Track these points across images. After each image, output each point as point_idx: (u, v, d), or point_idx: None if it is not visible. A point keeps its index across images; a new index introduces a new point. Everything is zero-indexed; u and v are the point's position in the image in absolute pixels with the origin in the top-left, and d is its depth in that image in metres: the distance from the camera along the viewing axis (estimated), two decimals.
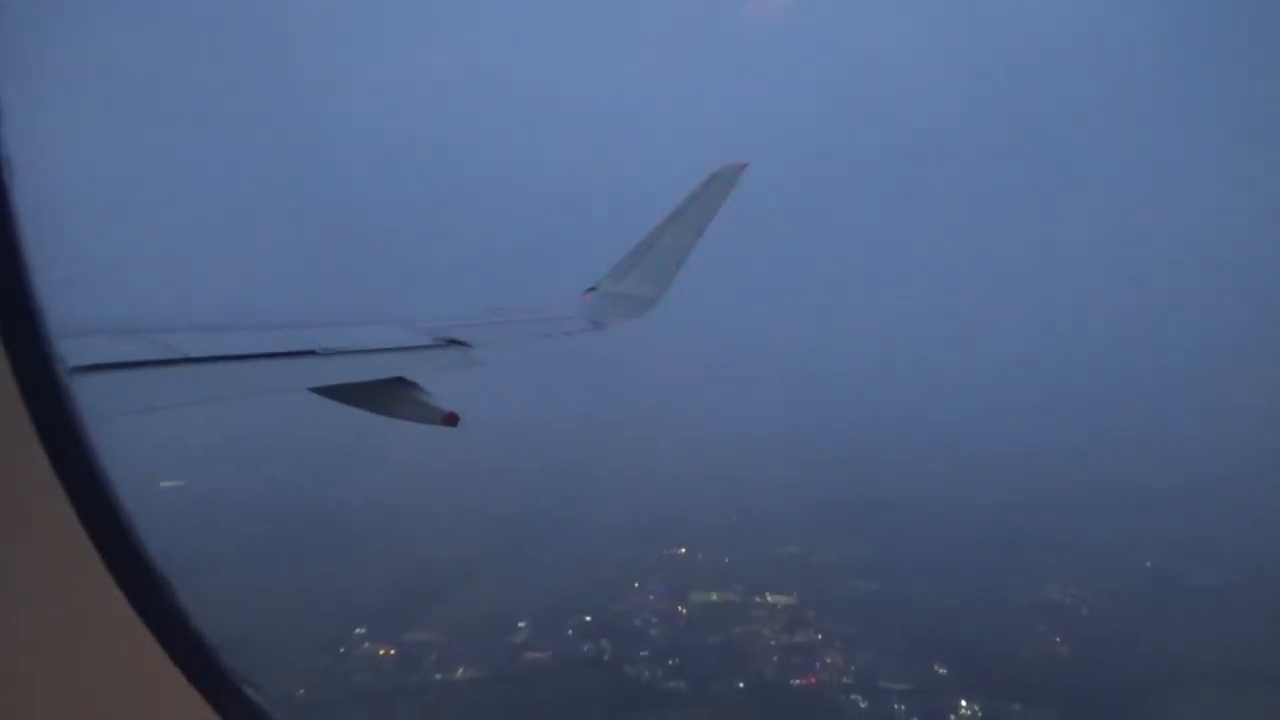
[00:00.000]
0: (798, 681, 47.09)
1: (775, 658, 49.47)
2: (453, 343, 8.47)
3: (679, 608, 57.07)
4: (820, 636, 51.94)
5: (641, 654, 50.57)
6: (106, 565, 1.93)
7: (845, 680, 47.03)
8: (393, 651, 50.97)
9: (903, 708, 44.22)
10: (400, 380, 7.46)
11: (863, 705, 44.55)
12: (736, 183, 12.54)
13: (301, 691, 46.57)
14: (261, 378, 6.67)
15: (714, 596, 59.06)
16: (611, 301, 11.79)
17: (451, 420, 7.31)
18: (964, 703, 44.17)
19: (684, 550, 68.80)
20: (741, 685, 46.61)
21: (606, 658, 50.24)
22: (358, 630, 53.64)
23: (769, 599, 58.02)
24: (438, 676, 48.21)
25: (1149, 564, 64.76)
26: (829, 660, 48.93)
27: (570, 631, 53.43)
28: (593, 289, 12.12)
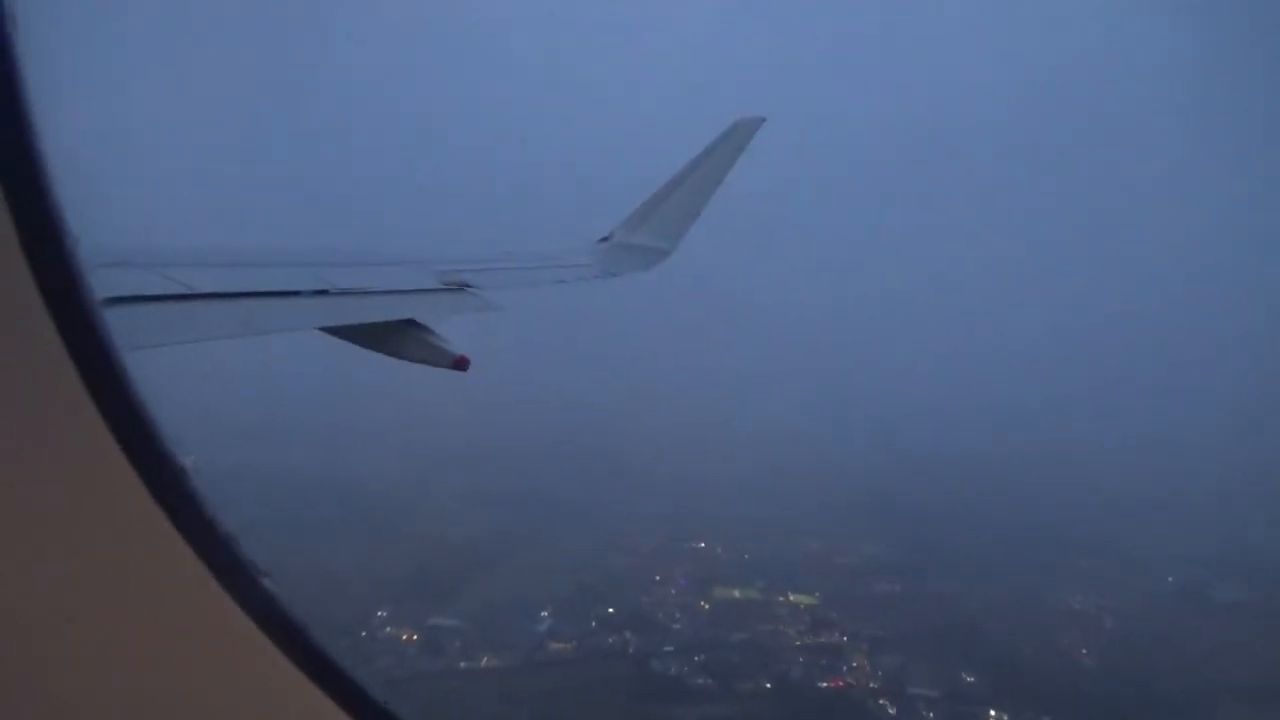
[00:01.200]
0: (825, 684, 46.85)
1: (801, 658, 49.23)
2: (464, 286, 8.39)
3: (701, 603, 56.82)
4: (845, 639, 51.69)
5: (666, 649, 50.37)
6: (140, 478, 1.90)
7: (872, 685, 46.79)
8: (415, 636, 50.72)
9: (931, 715, 44.00)
10: (411, 322, 7.44)
11: (891, 711, 44.32)
12: (753, 136, 12.44)
13: None
14: (273, 316, 6.63)
15: (736, 593, 58.83)
16: (624, 252, 11.68)
17: (462, 364, 7.37)
18: (992, 712, 43.92)
19: (703, 544, 68.54)
20: (769, 685, 46.34)
21: (631, 650, 50.03)
22: (379, 613, 53.38)
23: (791, 598, 57.75)
24: (463, 664, 47.97)
25: (1171, 578, 64.45)
26: (855, 663, 48.68)
27: (593, 623, 53.17)
28: (606, 238, 11.99)
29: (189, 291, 5.81)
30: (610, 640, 51.12)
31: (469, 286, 8.44)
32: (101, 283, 5.25)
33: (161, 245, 7.05)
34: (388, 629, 51.69)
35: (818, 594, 58.44)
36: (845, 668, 48.26)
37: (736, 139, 12.36)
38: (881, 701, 45.07)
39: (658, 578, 60.95)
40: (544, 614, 53.93)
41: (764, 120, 12.65)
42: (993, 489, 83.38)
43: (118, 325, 5.07)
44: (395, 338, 7.42)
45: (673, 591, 58.66)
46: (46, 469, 1.88)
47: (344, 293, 7.23)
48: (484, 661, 48.22)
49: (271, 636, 2.10)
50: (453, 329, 7.70)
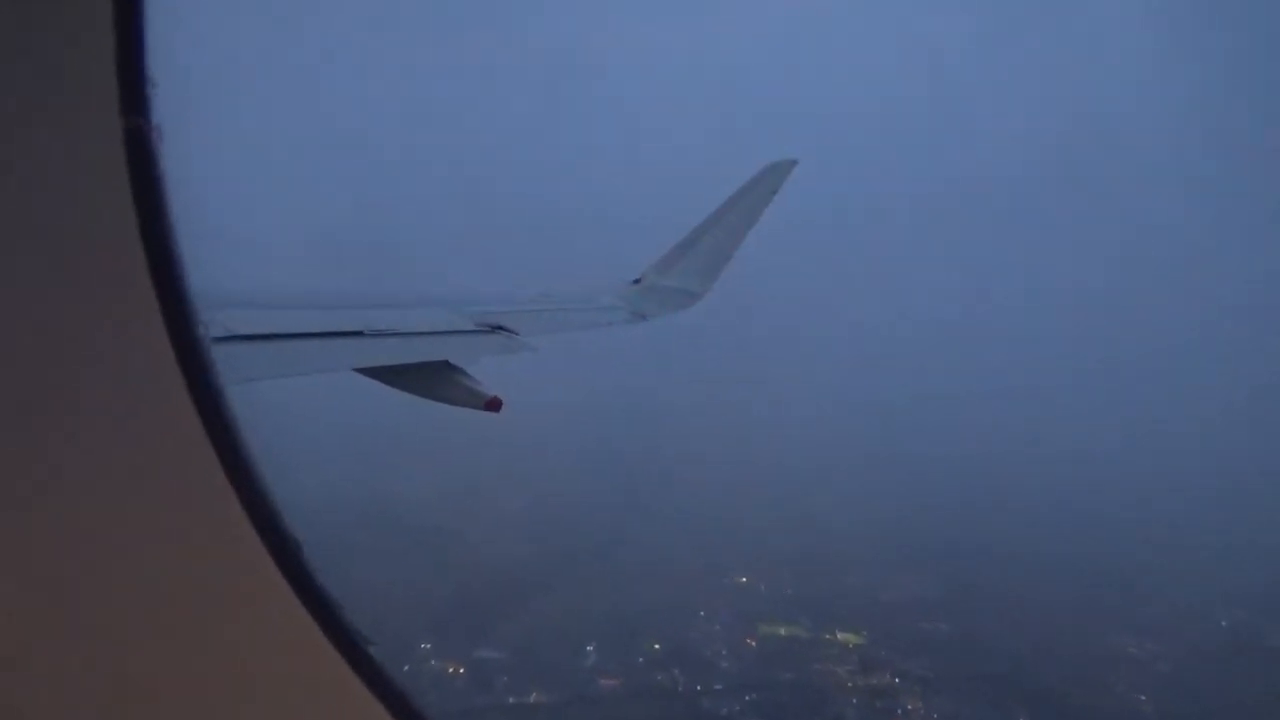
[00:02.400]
0: None
1: (855, 699, 48.50)
2: (497, 328, 8.46)
3: (748, 640, 56.17)
4: (897, 680, 50.87)
5: (716, 687, 49.74)
6: (255, 529, 1.94)
7: None
8: (462, 670, 50.32)
9: None
10: (445, 364, 7.50)
11: None
12: (786, 179, 12.41)
13: None
14: (309, 357, 6.71)
15: (781, 630, 58.14)
16: (656, 294, 11.60)
17: (495, 405, 7.36)
18: None
19: (744, 579, 67.88)
20: None
21: (680, 689, 49.41)
22: (423, 645, 53.03)
23: (838, 636, 57.01)
24: (512, 699, 47.50)
25: (1224, 622, 63.18)
26: (910, 706, 47.88)
27: (640, 659, 52.62)
28: (638, 280, 11.92)
29: (226, 334, 5.89)
30: (659, 677, 50.54)
31: (502, 328, 8.48)
32: None
33: (197, 287, 6.96)
34: (433, 661, 51.31)
35: (864, 632, 57.68)
36: (900, 710, 47.47)
37: (769, 182, 12.38)
38: None
39: (702, 613, 60.35)
40: (589, 649, 53.47)
41: (796, 163, 12.66)
42: (1033, 527, 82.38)
43: None
44: (429, 379, 7.45)
45: (717, 628, 58.02)
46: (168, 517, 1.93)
47: (378, 334, 7.28)
48: (533, 697, 47.72)
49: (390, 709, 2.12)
50: (485, 371, 7.71)
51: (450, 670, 50.33)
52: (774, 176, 12.47)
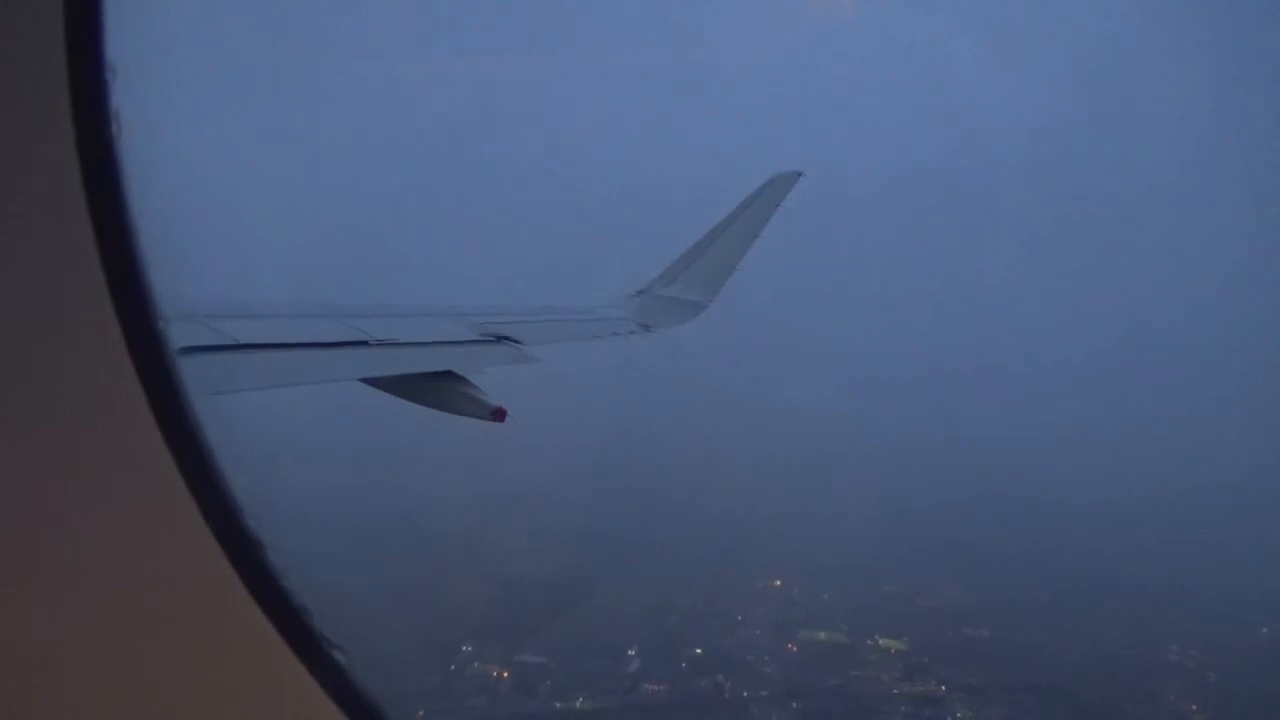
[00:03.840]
0: None
1: (903, 707, 48.12)
2: (502, 338, 8.50)
3: (789, 645, 55.82)
4: (944, 688, 50.45)
5: (761, 693, 49.40)
6: (212, 531, 1.93)
7: None
8: (506, 674, 50.07)
9: None
10: (450, 374, 7.54)
11: None
12: (790, 190, 12.55)
13: (421, 713, 45.90)
14: (315, 366, 6.82)
15: (821, 635, 57.74)
16: (660, 305, 11.71)
17: (500, 416, 7.41)
18: None
19: (778, 583, 67.53)
20: None
21: (726, 695, 49.08)
22: (465, 648, 52.86)
23: (880, 642, 56.61)
24: (558, 704, 47.22)
25: (1265, 629, 62.71)
26: (959, 715, 47.48)
27: (683, 664, 52.33)
28: (642, 291, 12.00)
29: (232, 343, 5.93)
30: (703, 683, 50.20)
31: (507, 339, 8.53)
32: None
33: (205, 297, 7.20)
34: (476, 664, 51.09)
35: (905, 639, 57.26)
36: (950, 719, 47.05)
37: (773, 193, 12.50)
38: None
39: (739, 618, 60.06)
40: (631, 653, 53.18)
41: (800, 175, 12.74)
42: (1065, 532, 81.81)
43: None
44: (434, 389, 7.50)
45: (757, 633, 57.71)
46: (118, 512, 1.89)
47: (384, 344, 7.31)
48: (579, 702, 47.45)
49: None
50: (490, 381, 7.71)
51: (495, 674, 50.00)
52: (778, 188, 12.57)
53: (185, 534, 1.90)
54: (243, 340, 6.08)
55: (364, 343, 7.20)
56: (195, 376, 5.56)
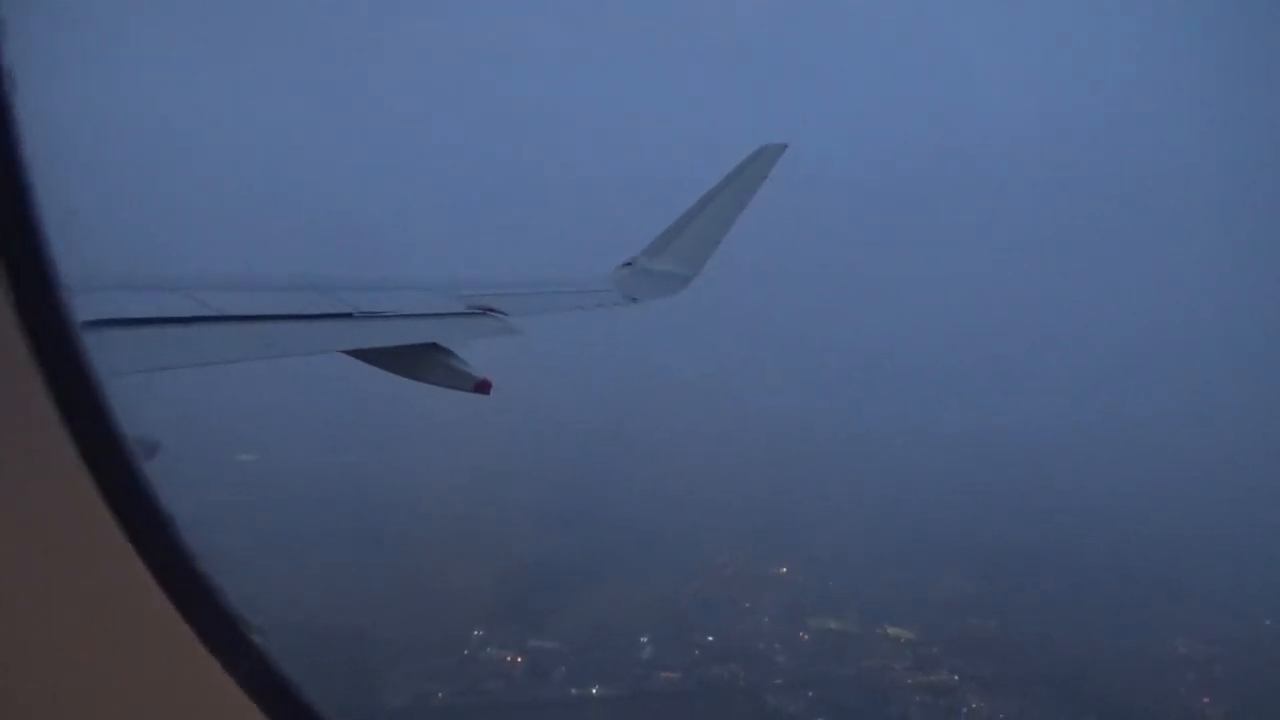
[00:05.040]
0: None
1: (917, 697, 48.20)
2: (487, 310, 8.46)
3: (800, 634, 55.86)
4: (956, 678, 50.59)
5: (775, 682, 49.41)
6: (114, 515, 1.88)
7: None
8: (519, 659, 49.87)
9: None
10: (434, 346, 7.50)
11: None
12: (776, 163, 12.55)
13: (440, 695, 45.74)
14: (298, 338, 6.77)
15: (831, 623, 57.84)
16: (646, 278, 11.75)
17: (484, 388, 7.39)
18: None
19: (784, 570, 67.52)
20: None
21: (741, 683, 49.05)
22: (476, 632, 52.65)
23: (889, 631, 56.73)
24: (574, 691, 47.05)
25: (1268, 620, 63.11)
26: (974, 705, 47.60)
27: (697, 651, 52.24)
28: (628, 264, 12.01)
29: (216, 314, 5.90)
30: (717, 671, 50.13)
31: (492, 311, 8.49)
32: (124, 303, 5.35)
33: (187, 268, 7.25)
34: (488, 649, 50.90)
35: (914, 628, 57.42)
36: (965, 710, 47.17)
37: (759, 166, 12.53)
38: None
39: (747, 605, 60.02)
40: (643, 640, 53.08)
41: (786, 147, 12.77)
42: (1068, 522, 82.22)
43: (141, 347, 5.22)
44: (418, 361, 7.44)
45: (767, 620, 57.73)
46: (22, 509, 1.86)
47: (367, 316, 7.27)
48: (595, 690, 47.28)
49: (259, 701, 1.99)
50: (475, 353, 7.72)
51: (508, 659, 49.80)
52: (764, 161, 12.57)
53: (84, 511, 1.83)
54: (226, 312, 6.02)
55: (348, 315, 7.12)
56: (177, 347, 5.58)
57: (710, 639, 53.87)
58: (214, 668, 1.94)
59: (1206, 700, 49.45)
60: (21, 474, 1.82)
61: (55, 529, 1.87)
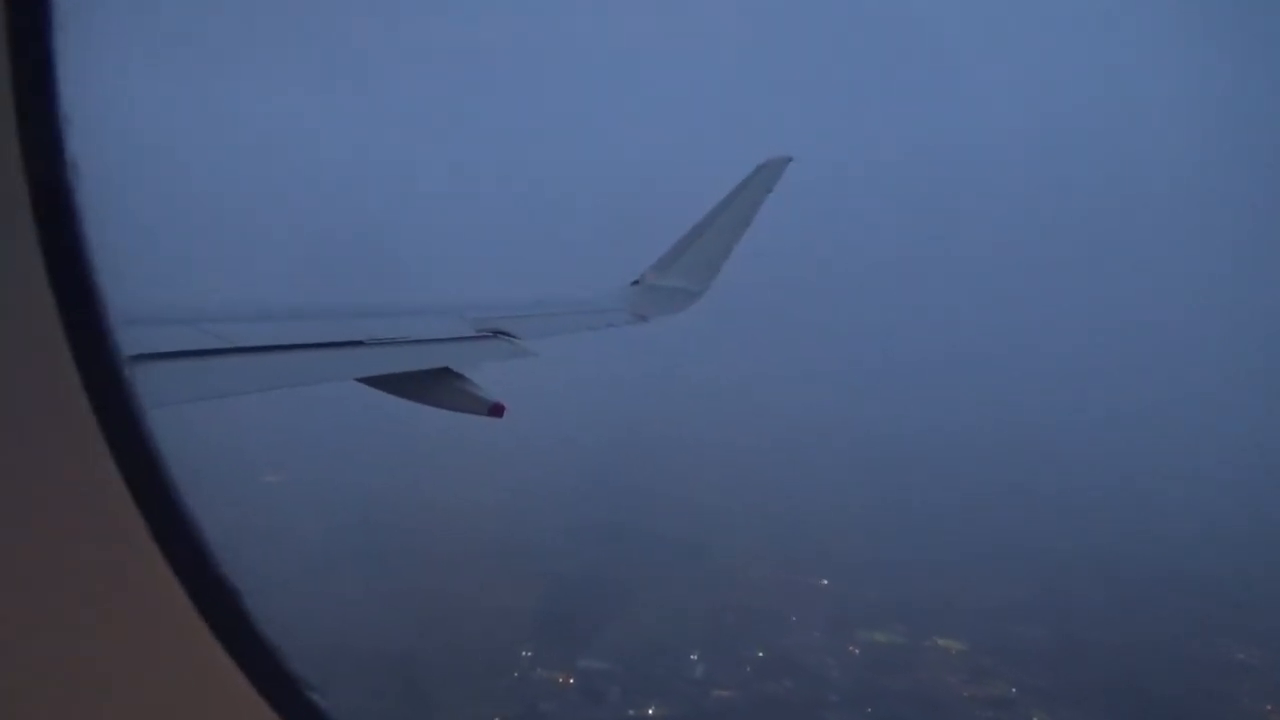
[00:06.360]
0: None
1: (977, 711, 47.53)
2: (498, 333, 8.49)
3: (850, 647, 55.17)
4: (1014, 690, 49.91)
5: (831, 698, 48.73)
6: (165, 556, 1.90)
7: None
8: (571, 680, 49.26)
9: None
10: (446, 370, 7.50)
11: None
12: (781, 175, 12.51)
13: (497, 719, 45.15)
14: (311, 367, 6.81)
15: (879, 636, 57.15)
16: (655, 295, 11.71)
17: (498, 411, 7.39)
18: None
19: (825, 581, 66.87)
20: None
21: (796, 700, 48.44)
22: (524, 653, 52.05)
23: (939, 643, 56.04)
24: (631, 712, 46.42)
25: None
26: (1036, 719, 46.91)
27: (748, 668, 51.60)
28: (637, 281, 11.97)
29: (228, 346, 5.93)
30: (771, 688, 49.50)
31: (503, 333, 8.52)
32: (140, 339, 5.19)
33: (198, 300, 7.29)
34: (539, 670, 50.29)
35: (964, 638, 56.74)
36: None
37: (764, 179, 12.49)
38: None
39: (794, 618, 59.32)
40: (693, 657, 52.46)
41: (791, 160, 12.73)
42: (1109, 526, 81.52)
43: (157, 381, 5.10)
44: (431, 386, 7.47)
45: (816, 634, 57.05)
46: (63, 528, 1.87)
47: (379, 342, 7.35)
48: (651, 710, 46.63)
49: None
50: (488, 376, 7.71)
51: (560, 680, 49.18)
52: (769, 174, 12.54)
53: (129, 543, 1.83)
54: (237, 343, 6.05)
55: (359, 342, 7.18)
56: (191, 381, 5.57)
57: (760, 654, 53.21)
58: (233, 671, 1.94)
59: (1269, 708, 48.81)
60: (66, 503, 1.83)
61: (91, 545, 1.87)
